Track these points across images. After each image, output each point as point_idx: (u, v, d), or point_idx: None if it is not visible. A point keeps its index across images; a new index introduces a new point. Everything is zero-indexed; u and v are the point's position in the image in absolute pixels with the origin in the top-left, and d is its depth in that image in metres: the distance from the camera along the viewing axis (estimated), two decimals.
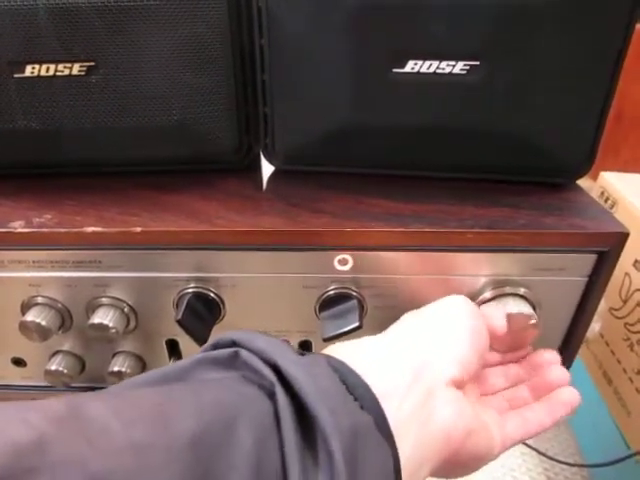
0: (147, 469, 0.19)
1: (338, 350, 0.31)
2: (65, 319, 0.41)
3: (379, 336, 0.33)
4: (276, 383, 0.25)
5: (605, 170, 0.76)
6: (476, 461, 0.32)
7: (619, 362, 0.67)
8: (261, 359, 0.27)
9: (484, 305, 0.39)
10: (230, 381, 0.26)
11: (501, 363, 0.40)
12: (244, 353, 0.27)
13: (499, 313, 0.37)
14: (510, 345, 0.39)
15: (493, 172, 0.42)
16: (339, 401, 0.25)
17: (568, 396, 0.36)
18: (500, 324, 0.36)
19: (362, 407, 0.26)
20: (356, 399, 0.26)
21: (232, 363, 0.28)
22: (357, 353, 0.30)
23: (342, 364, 0.28)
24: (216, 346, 0.29)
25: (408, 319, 0.34)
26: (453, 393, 0.30)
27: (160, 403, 0.23)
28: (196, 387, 0.25)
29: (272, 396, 0.25)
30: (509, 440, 0.33)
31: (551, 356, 0.39)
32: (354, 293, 0.39)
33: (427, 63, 0.36)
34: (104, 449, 0.19)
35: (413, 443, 0.27)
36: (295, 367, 0.25)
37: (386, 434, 0.26)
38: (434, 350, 0.31)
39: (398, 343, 0.32)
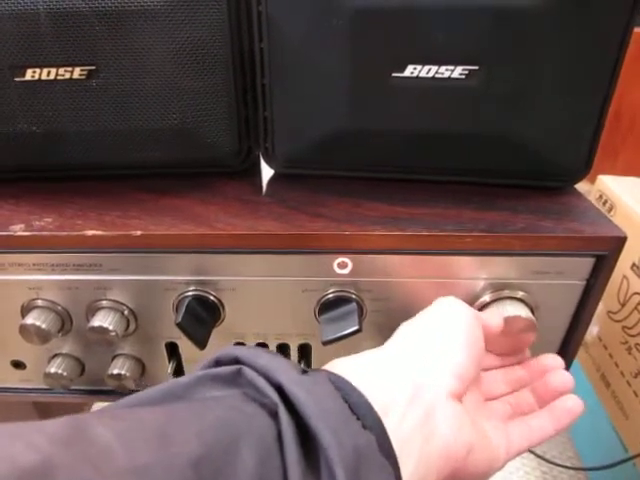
0: None
1: (338, 366, 0.30)
2: (65, 322, 0.41)
3: (377, 350, 0.33)
4: (279, 403, 0.25)
5: (603, 173, 0.76)
6: (479, 477, 0.31)
7: (617, 365, 0.67)
8: (264, 377, 0.26)
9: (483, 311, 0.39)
10: (232, 399, 0.26)
11: (501, 366, 0.40)
12: (247, 371, 0.27)
13: (496, 313, 0.37)
14: (508, 348, 0.39)
15: (491, 176, 0.42)
16: (342, 422, 0.25)
17: (572, 404, 0.35)
18: (496, 322, 0.36)
19: (364, 426, 0.26)
20: (358, 418, 0.26)
21: (234, 380, 0.27)
22: (357, 369, 0.30)
23: (344, 382, 0.28)
24: (218, 362, 0.29)
25: (404, 331, 0.34)
26: (453, 407, 0.30)
27: (162, 425, 0.22)
28: (198, 407, 0.25)
29: (274, 415, 0.25)
30: (514, 449, 0.33)
31: (555, 360, 0.38)
32: (353, 296, 0.39)
33: (426, 68, 0.37)
34: (108, 473, 0.19)
35: (415, 462, 0.27)
36: (298, 387, 0.25)
37: (388, 454, 0.26)
38: (432, 363, 0.31)
39: (396, 358, 0.32)
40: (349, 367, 0.30)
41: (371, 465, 0.24)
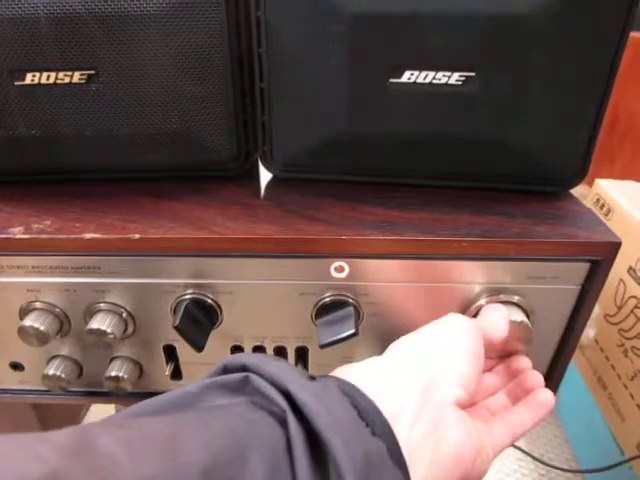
0: None
1: (346, 372, 0.30)
2: (63, 324, 0.41)
3: (383, 358, 0.33)
4: (288, 410, 0.25)
5: (600, 177, 0.76)
6: (479, 478, 0.32)
7: (613, 368, 0.67)
8: (272, 384, 0.26)
9: (486, 307, 0.39)
10: (240, 407, 0.26)
11: (487, 370, 0.40)
12: (255, 378, 0.27)
13: (500, 318, 0.37)
14: (501, 352, 0.39)
15: (487, 181, 0.43)
16: (352, 429, 0.25)
17: (545, 397, 0.36)
18: (498, 333, 0.36)
19: (374, 433, 0.26)
20: (367, 424, 0.26)
21: (242, 388, 0.27)
22: (365, 376, 0.30)
23: (353, 388, 0.28)
24: (225, 370, 0.29)
25: (409, 339, 0.34)
26: (459, 414, 0.30)
27: (169, 434, 0.22)
28: (205, 416, 0.25)
29: (283, 422, 0.25)
30: (498, 447, 0.33)
31: (525, 362, 0.39)
32: (350, 300, 0.39)
33: (423, 73, 0.37)
34: None
35: (426, 467, 0.27)
36: (307, 394, 0.25)
37: (398, 461, 0.26)
38: (438, 371, 0.31)
39: (403, 365, 0.32)
40: (356, 374, 0.30)
41: (382, 472, 0.24)
